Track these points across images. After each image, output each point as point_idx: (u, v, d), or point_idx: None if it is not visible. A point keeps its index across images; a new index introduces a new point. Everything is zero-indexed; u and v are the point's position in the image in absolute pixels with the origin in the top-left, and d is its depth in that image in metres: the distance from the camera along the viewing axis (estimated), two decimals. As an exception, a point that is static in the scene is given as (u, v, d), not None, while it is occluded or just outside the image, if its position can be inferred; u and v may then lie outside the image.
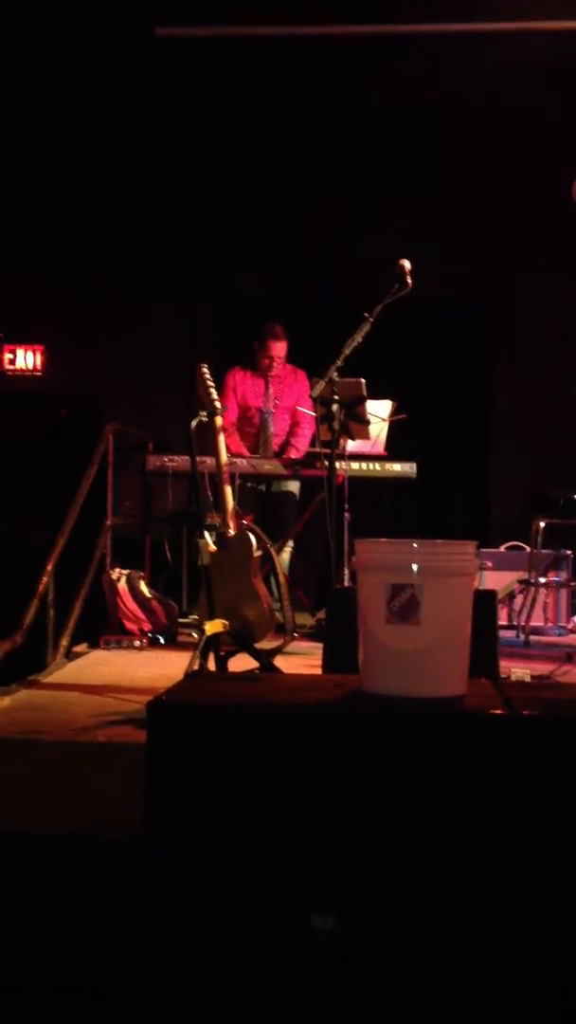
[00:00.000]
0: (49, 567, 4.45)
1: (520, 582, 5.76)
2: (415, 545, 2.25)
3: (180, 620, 5.17)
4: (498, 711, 2.14)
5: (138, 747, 2.24)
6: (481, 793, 2.08)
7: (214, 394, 3.88)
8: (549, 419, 6.68)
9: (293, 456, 5.74)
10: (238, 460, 5.45)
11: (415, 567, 2.20)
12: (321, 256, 6.96)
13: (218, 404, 3.88)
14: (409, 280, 4.36)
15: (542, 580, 5.66)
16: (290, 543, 5.71)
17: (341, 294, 5.61)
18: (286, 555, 5.68)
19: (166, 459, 5.52)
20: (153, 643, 4.95)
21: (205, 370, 3.90)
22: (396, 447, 5.77)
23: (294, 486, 5.80)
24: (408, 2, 6.93)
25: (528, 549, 5.78)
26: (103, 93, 7.03)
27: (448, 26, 7.00)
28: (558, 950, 2.06)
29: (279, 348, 5.81)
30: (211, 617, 3.39)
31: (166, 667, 4.12)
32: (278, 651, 3.71)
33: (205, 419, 3.78)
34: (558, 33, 6.95)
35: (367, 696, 2.25)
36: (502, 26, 6.94)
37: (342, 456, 4.99)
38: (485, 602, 2.96)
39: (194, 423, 3.64)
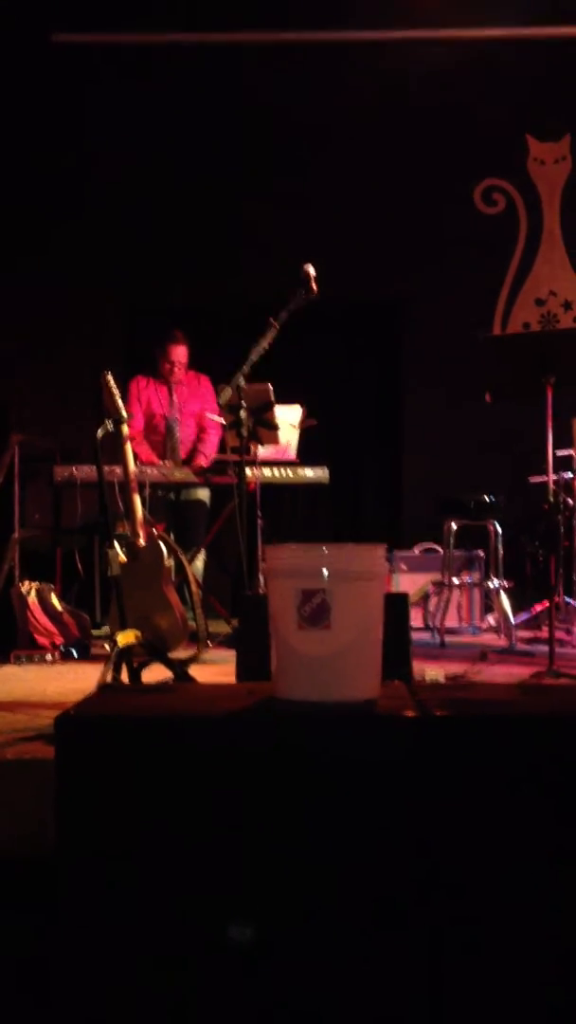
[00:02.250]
0: (-45, 583, 4.35)
1: (434, 583, 5.82)
2: (324, 549, 2.24)
3: (93, 632, 5.10)
4: (410, 713, 2.14)
5: (50, 763, 2.19)
6: (396, 796, 2.07)
7: (120, 402, 3.83)
8: (459, 422, 6.76)
9: (202, 463, 5.71)
10: (148, 468, 5.40)
11: (325, 571, 2.19)
12: (228, 263, 6.94)
13: (124, 412, 3.83)
14: (314, 285, 4.37)
15: (455, 581, 5.72)
16: (202, 551, 5.67)
17: (248, 300, 5.59)
18: (199, 563, 5.64)
19: (74, 469, 5.44)
20: (66, 657, 4.86)
21: (110, 378, 3.85)
22: (308, 452, 5.78)
23: (203, 494, 5.77)
24: (308, 10, 6.96)
25: (441, 551, 5.84)
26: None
27: (348, 34, 7.05)
28: (482, 954, 2.06)
29: (179, 353, 5.80)
30: (123, 628, 3.34)
31: (79, 681, 4.04)
32: (192, 660, 3.68)
33: (111, 428, 3.72)
34: (462, 41, 7.06)
35: (280, 703, 2.23)
36: (408, 34, 7.03)
37: (253, 462, 4.97)
38: (397, 604, 2.97)
39: (100, 432, 3.58)
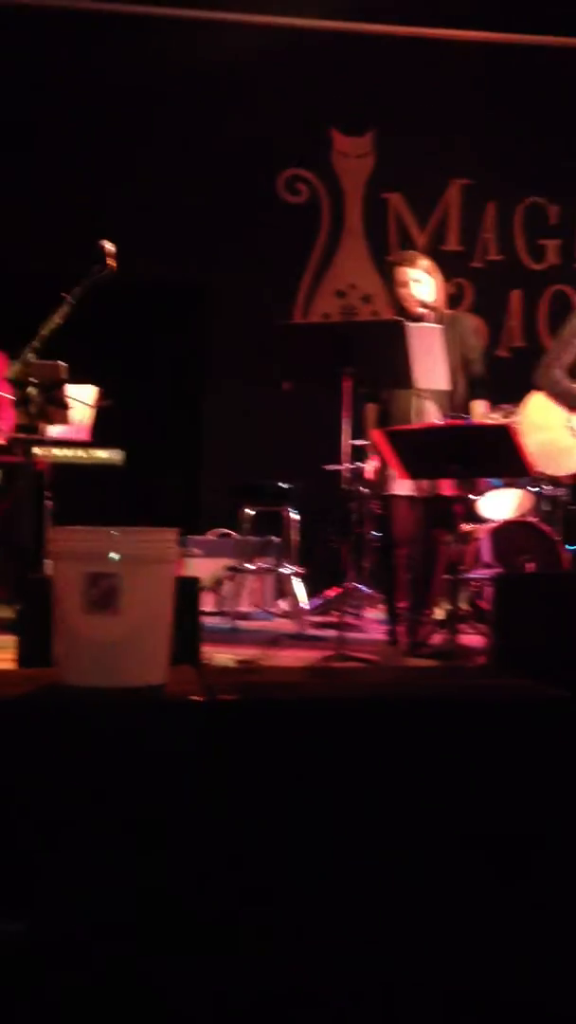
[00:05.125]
0: None
1: (228, 568, 5.82)
2: (113, 532, 2.18)
3: None
4: (197, 697, 2.12)
5: None
6: (184, 779, 2.05)
7: None
8: (260, 409, 6.78)
9: (-10, 441, 5.49)
10: None
11: (114, 555, 2.14)
12: (20, 234, 6.69)
13: None
14: (111, 262, 4.25)
15: (250, 566, 5.74)
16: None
17: (44, 274, 5.41)
18: (-14, 546, 5.43)
19: None
20: None
21: None
22: (103, 434, 5.65)
23: (-7, 473, 5.55)
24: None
25: (236, 536, 5.86)
26: None
27: (162, 9, 6.94)
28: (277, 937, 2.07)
29: None
30: None
31: None
32: (-28, 646, 3.52)
33: None
34: (273, 28, 7.05)
35: (65, 689, 2.16)
36: (221, 16, 6.96)
37: (40, 441, 4.81)
38: (187, 588, 2.93)
39: None
